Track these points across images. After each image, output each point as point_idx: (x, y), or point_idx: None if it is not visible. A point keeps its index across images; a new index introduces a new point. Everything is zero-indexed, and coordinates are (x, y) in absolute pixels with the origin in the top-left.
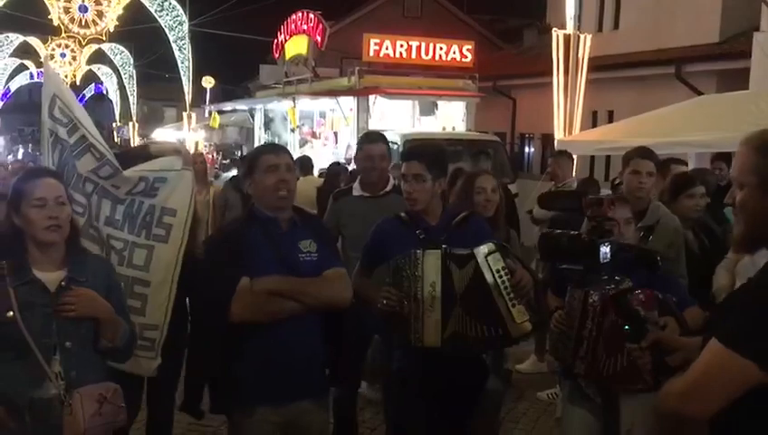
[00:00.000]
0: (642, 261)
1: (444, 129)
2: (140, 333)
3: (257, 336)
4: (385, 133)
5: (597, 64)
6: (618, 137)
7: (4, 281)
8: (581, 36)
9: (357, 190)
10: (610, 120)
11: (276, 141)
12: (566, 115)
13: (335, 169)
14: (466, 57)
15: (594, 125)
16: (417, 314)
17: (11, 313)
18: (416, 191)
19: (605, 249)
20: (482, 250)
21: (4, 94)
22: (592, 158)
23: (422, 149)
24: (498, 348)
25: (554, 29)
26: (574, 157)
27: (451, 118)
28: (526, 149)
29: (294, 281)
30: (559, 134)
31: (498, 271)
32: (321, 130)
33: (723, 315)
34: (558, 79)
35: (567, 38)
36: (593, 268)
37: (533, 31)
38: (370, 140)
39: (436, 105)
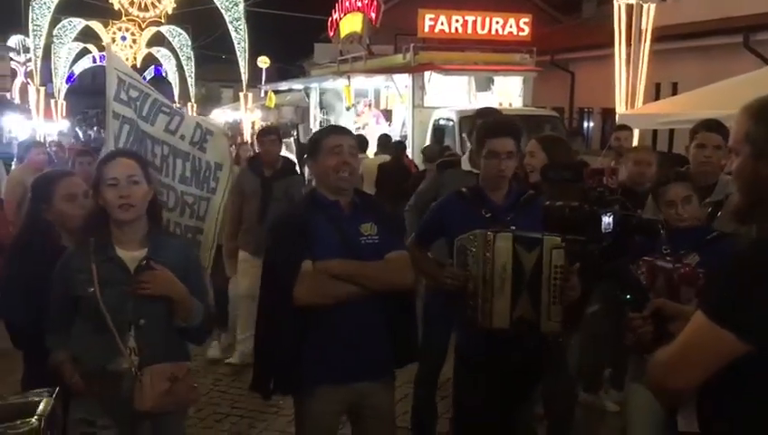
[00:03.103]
0: (643, 230)
1: (500, 104)
2: None
3: (320, 318)
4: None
5: (660, 35)
6: (682, 110)
7: (90, 258)
8: (645, 5)
9: (466, 165)
10: (674, 93)
11: (332, 121)
12: (628, 88)
13: (400, 146)
14: (523, 30)
15: (657, 98)
16: (486, 297)
17: (92, 289)
18: (508, 169)
19: (607, 219)
20: (551, 240)
21: (69, 78)
22: (655, 132)
23: (512, 126)
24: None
25: None
26: (635, 131)
27: (508, 93)
28: (585, 124)
29: (357, 265)
30: (620, 108)
31: (556, 267)
32: (365, 110)
33: (708, 286)
34: (619, 50)
35: (629, 8)
36: (596, 238)
37: (592, 1)
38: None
39: (493, 81)
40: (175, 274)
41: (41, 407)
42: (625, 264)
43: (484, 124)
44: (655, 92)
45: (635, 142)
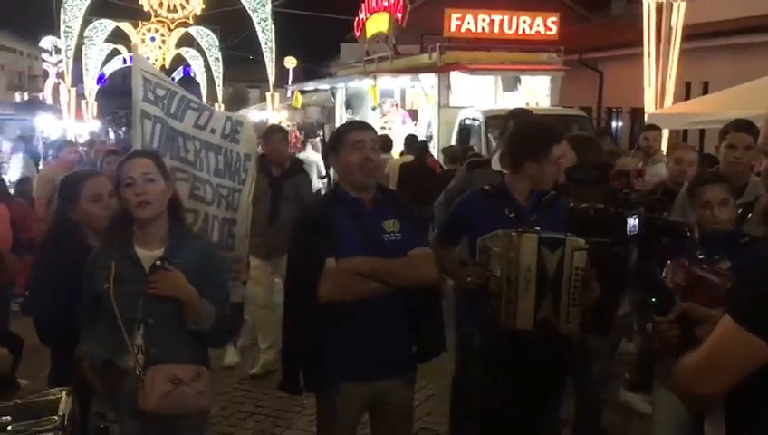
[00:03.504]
0: (669, 233)
1: (527, 104)
2: (232, 266)
3: (343, 315)
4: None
5: (690, 33)
6: (713, 109)
7: (110, 255)
8: (675, 3)
9: (496, 165)
10: (705, 92)
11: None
12: (657, 87)
13: (423, 147)
14: (551, 30)
15: (688, 97)
16: (511, 297)
17: (107, 285)
18: (557, 171)
19: (632, 221)
20: (573, 242)
21: (100, 78)
22: (685, 132)
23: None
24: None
25: None
26: (665, 131)
27: (535, 93)
28: (614, 124)
29: (380, 262)
30: (650, 107)
31: (577, 268)
32: (392, 109)
33: (737, 290)
34: (649, 49)
35: (659, 6)
36: (621, 241)
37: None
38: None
39: (520, 80)
40: (188, 275)
41: (62, 405)
42: (651, 266)
43: (546, 129)
44: (685, 92)
45: (664, 142)
